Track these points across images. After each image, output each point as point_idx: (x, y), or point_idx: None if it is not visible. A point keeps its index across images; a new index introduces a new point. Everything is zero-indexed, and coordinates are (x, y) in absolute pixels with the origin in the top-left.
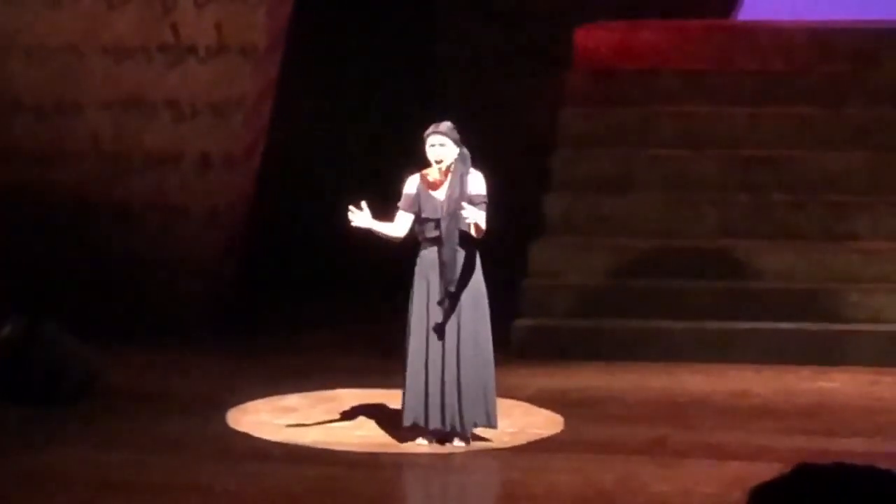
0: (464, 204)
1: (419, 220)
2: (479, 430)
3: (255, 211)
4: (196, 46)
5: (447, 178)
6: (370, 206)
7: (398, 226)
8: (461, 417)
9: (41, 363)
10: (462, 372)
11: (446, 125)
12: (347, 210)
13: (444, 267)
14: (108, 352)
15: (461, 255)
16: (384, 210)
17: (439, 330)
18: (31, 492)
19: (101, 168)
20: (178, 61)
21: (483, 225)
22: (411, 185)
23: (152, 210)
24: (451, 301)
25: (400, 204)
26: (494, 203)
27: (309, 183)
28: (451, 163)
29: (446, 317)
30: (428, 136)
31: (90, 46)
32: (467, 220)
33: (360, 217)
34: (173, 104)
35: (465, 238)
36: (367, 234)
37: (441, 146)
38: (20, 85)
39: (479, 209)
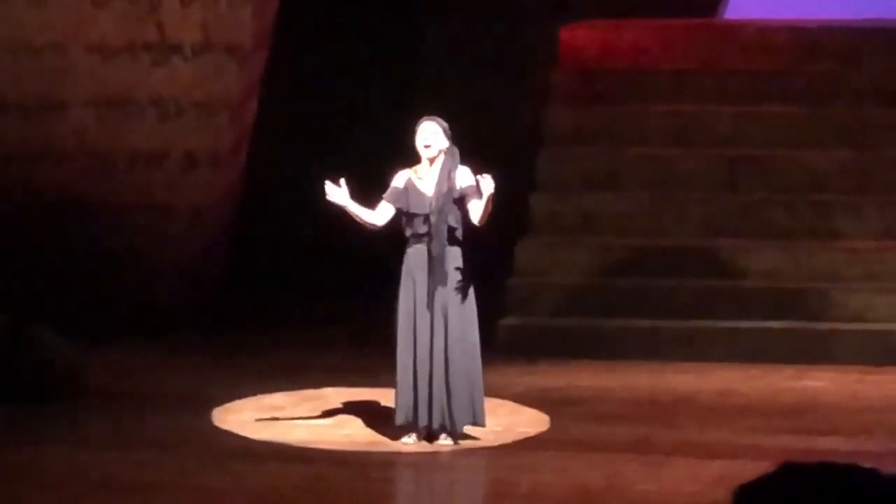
0: (481, 177)
1: (407, 216)
2: (466, 429)
3: (240, 209)
4: (181, 45)
5: (433, 166)
6: (362, 203)
7: (377, 214)
8: (451, 416)
9: (26, 362)
10: (451, 370)
11: (438, 118)
12: (325, 185)
13: (432, 263)
14: (93, 350)
15: (449, 251)
16: (370, 208)
17: (426, 328)
18: (15, 490)
19: (86, 167)
20: (164, 60)
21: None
22: (400, 179)
23: (137, 208)
24: (438, 299)
25: (385, 195)
26: None
27: (294, 182)
28: (440, 152)
29: (434, 315)
30: (419, 124)
31: (75, 45)
32: (487, 193)
33: (337, 193)
34: (158, 103)
35: (452, 235)
36: (342, 213)
37: (432, 133)
38: (4, 83)
39: (478, 198)
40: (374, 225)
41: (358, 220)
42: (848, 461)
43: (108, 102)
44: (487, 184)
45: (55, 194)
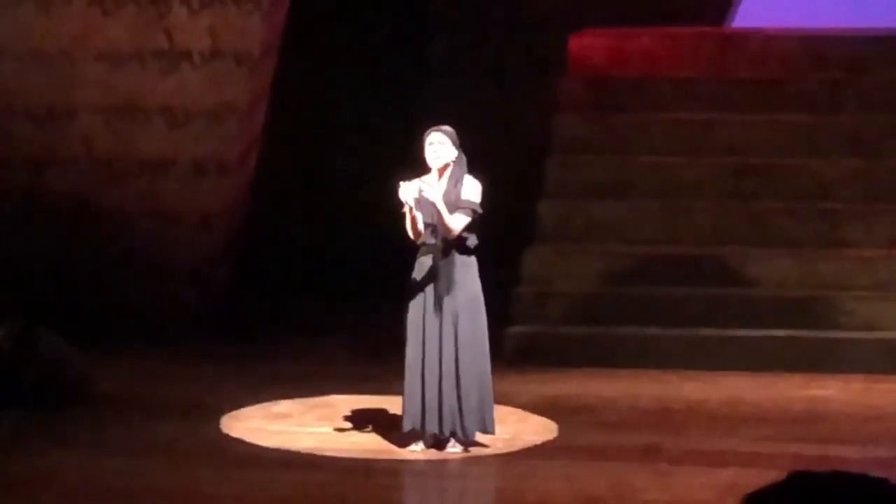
0: (422, 186)
1: None
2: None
3: (248, 217)
4: (190, 52)
5: (443, 177)
6: (371, 211)
7: (420, 224)
8: (462, 423)
9: (34, 369)
10: (461, 378)
11: (446, 127)
12: (398, 185)
13: (441, 271)
14: (101, 357)
15: (459, 260)
16: (378, 216)
17: (435, 336)
18: (23, 497)
19: (95, 174)
20: (172, 67)
21: (450, 224)
22: (413, 188)
23: (145, 216)
24: (448, 307)
25: (407, 207)
26: (488, 209)
27: (302, 189)
28: (448, 164)
29: (443, 322)
30: (427, 135)
31: (84, 52)
32: (424, 194)
33: (408, 191)
34: (167, 110)
35: (462, 243)
36: (401, 216)
37: (440, 144)
38: (13, 90)
39: (463, 213)
40: (421, 233)
41: (411, 224)
42: (857, 469)
43: (117, 110)
44: (428, 192)
45: (63, 201)
